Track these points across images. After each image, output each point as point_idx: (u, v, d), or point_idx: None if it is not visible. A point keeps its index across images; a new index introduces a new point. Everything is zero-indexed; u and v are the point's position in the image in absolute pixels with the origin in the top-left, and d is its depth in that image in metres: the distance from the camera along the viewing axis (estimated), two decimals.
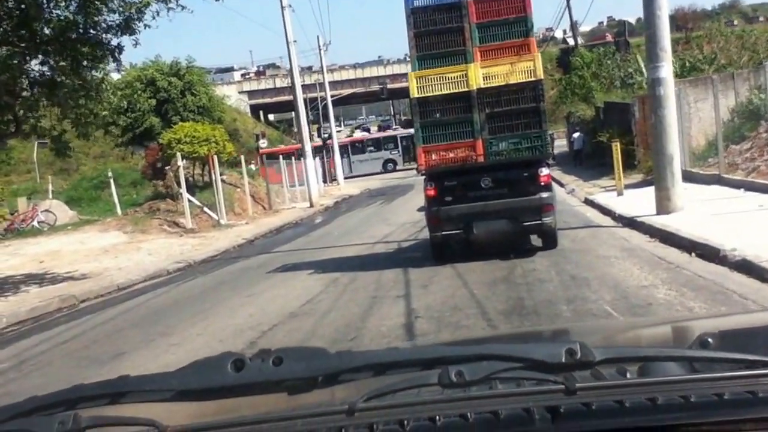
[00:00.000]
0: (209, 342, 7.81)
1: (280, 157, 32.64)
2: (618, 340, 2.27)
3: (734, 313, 5.76)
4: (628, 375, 1.27)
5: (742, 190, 14.10)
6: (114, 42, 13.58)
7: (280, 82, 73.41)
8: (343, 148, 48.49)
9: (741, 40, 29.50)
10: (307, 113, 36.77)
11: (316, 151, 42.78)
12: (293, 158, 32.18)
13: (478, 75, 10.55)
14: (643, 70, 28.37)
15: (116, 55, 13.77)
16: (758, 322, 2.31)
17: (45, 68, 13.71)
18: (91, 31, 13.10)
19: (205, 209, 23.85)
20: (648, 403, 1.09)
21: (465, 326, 6.96)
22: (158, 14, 13.33)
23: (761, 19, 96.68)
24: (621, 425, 1.08)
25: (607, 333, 2.63)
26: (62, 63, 13.43)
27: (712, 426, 1.07)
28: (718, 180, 15.64)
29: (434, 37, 10.76)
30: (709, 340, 1.27)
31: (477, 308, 7.69)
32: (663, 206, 12.48)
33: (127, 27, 13.14)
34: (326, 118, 49.26)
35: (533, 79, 10.53)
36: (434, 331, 6.97)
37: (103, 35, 13.35)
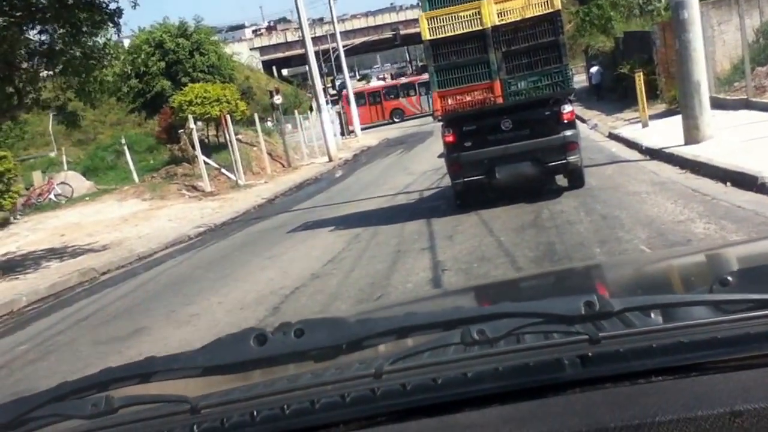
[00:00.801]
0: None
1: (296, 112, 32.23)
2: (639, 279, 2.25)
3: (755, 239, 5.47)
4: (652, 317, 1.27)
5: None
6: (112, 6, 13.22)
7: (291, 36, 72.70)
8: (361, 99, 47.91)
9: None
10: (319, 66, 36.23)
11: (334, 103, 42.40)
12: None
13: (492, 12, 10.05)
14: None
15: (115, 19, 13.40)
16: None
17: (44, 37, 13.39)
18: None
19: (223, 170, 23.65)
20: (676, 342, 1.10)
21: (495, 276, 6.67)
22: None
23: None
24: (649, 366, 1.08)
25: (627, 271, 2.57)
26: (61, 31, 13.12)
27: (739, 361, 1.06)
28: (746, 104, 15.08)
29: None
30: (729, 278, 1.25)
31: (506, 257, 7.41)
32: (691, 135, 12.02)
33: None
34: (340, 70, 48.54)
35: (551, 10, 9.99)
36: (463, 283, 6.66)
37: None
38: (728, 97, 16.37)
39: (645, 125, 16.33)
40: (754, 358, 1.06)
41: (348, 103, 43.82)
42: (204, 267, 10.99)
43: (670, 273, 2.30)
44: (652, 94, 19.10)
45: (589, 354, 1.11)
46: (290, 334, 1.15)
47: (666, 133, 13.71)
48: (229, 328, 5.97)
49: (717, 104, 13.87)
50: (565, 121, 10.19)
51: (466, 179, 10.41)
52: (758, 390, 0.97)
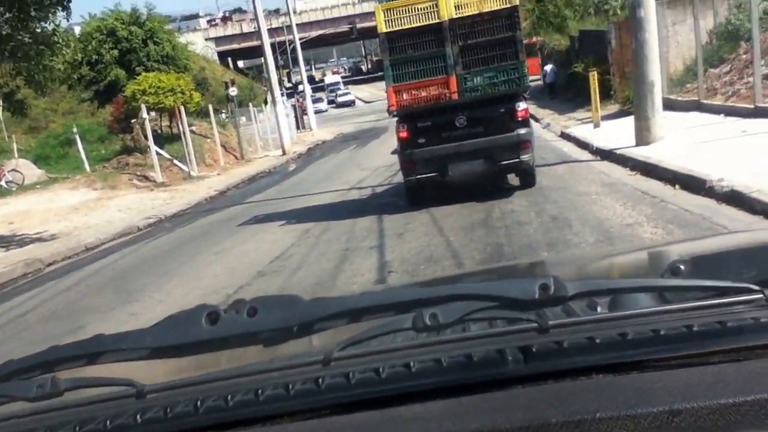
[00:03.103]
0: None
1: (251, 104, 31.94)
2: (591, 270, 2.29)
3: (708, 236, 5.62)
4: (599, 309, 1.29)
5: (722, 115, 13.76)
6: None
7: (247, 27, 72.15)
8: None
9: None
10: (275, 58, 35.86)
11: (289, 96, 42.09)
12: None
13: (450, 4, 9.97)
14: None
15: (65, 3, 13.03)
16: (731, 245, 2.28)
17: None
18: None
19: (175, 161, 23.35)
20: (618, 338, 1.10)
21: None
22: None
23: None
24: (591, 363, 1.08)
25: (580, 264, 2.62)
26: (7, 15, 12.71)
27: (680, 359, 1.07)
28: (697, 106, 15.26)
29: None
30: (681, 267, 1.29)
31: (453, 258, 7.35)
32: (643, 137, 12.11)
33: None
34: (296, 63, 48.15)
35: (508, 6, 9.95)
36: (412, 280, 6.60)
37: None
38: (680, 99, 16.55)
39: (597, 125, 16.43)
40: (695, 357, 1.07)
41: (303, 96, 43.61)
42: (150, 260, 10.77)
43: (623, 264, 2.32)
44: (606, 95, 19.25)
45: (533, 349, 1.11)
46: (243, 312, 1.14)
47: (618, 133, 13.79)
48: None
49: (669, 105, 14.01)
50: (520, 119, 10.17)
51: (419, 176, 10.34)
52: (697, 389, 0.98)
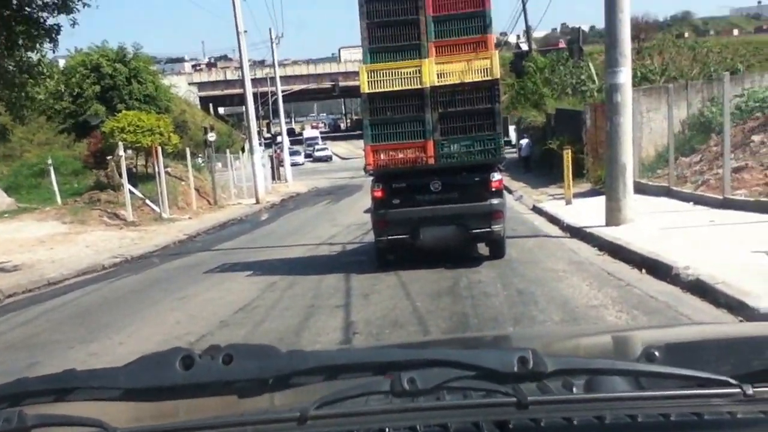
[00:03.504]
0: (131, 353, 7.12)
1: (228, 151, 31.98)
2: (562, 348, 2.27)
3: (680, 324, 5.64)
4: (575, 390, 1.27)
5: (691, 203, 14.02)
6: (51, 21, 12.90)
7: (231, 75, 72.61)
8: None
9: (693, 51, 29.76)
10: (257, 108, 36.03)
11: (267, 147, 42.16)
12: None
13: (433, 72, 10.15)
14: (595, 78, 28.66)
15: (53, 35, 13.07)
16: (704, 336, 2.29)
17: None
18: (26, 8, 12.38)
19: (148, 202, 23.17)
20: (596, 421, 1.10)
21: None
22: None
23: (711, 32, 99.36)
24: None
25: (549, 340, 2.62)
26: None
27: None
28: (667, 192, 15.55)
29: (388, 29, 10.34)
30: (655, 353, 1.28)
31: (419, 324, 7.30)
32: (613, 218, 12.25)
33: (64, 5, 12.47)
34: (276, 114, 48.40)
35: (489, 78, 10.17)
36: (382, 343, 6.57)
37: (39, 13, 12.64)
38: (651, 183, 16.85)
39: (569, 202, 16.63)
40: None
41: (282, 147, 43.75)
42: (113, 301, 10.61)
43: (595, 345, 2.31)
44: (578, 173, 19.57)
45: (510, 425, 1.11)
46: (218, 359, 1.12)
47: (588, 212, 13.93)
48: None
49: (639, 189, 14.25)
50: (493, 189, 10.27)
51: (390, 237, 10.34)
52: None
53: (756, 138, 14.70)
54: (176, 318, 8.71)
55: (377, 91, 10.24)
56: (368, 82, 10.25)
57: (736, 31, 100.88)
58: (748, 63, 35.82)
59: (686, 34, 69.79)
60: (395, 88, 10.21)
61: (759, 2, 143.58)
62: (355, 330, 7.34)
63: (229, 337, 7.44)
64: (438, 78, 10.16)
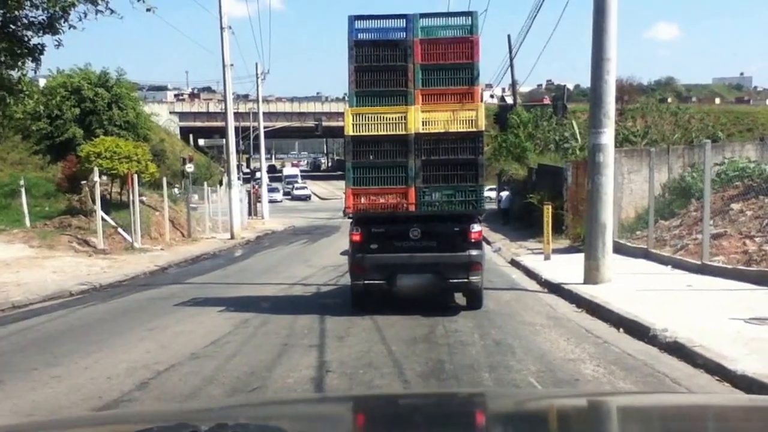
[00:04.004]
0: (96, 378, 7.08)
1: (206, 184, 31.79)
2: (529, 413, 2.21)
3: (651, 392, 5.58)
4: None
5: (669, 267, 14.09)
6: (35, 40, 12.77)
7: (213, 107, 72.88)
8: None
9: (675, 117, 30.33)
10: (237, 142, 35.92)
11: (245, 181, 41.98)
12: None
13: (418, 119, 10.18)
14: (578, 136, 29.06)
15: (36, 54, 12.94)
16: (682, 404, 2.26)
17: None
18: (11, 26, 12.26)
19: (120, 230, 22.83)
20: None
21: (378, 386, 6.51)
22: (85, 16, 12.62)
23: (694, 99, 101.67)
24: None
25: (520, 403, 2.54)
26: None
27: None
28: (645, 254, 15.63)
29: (376, 74, 10.43)
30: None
31: (393, 367, 7.22)
32: (591, 276, 12.24)
33: (50, 26, 12.39)
34: (257, 149, 48.32)
35: (474, 129, 10.23)
36: (344, 389, 6.45)
37: (24, 32, 12.51)
38: (630, 244, 16.93)
39: (547, 258, 16.65)
40: None
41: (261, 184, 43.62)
42: (79, 328, 10.37)
43: (567, 412, 2.26)
44: (558, 229, 19.66)
45: None
46: None
47: (567, 269, 13.96)
48: (90, 397, 5.43)
49: (618, 249, 14.30)
50: (473, 241, 10.22)
51: (366, 281, 10.23)
52: None
53: (735, 206, 14.84)
54: (146, 347, 8.54)
55: (362, 134, 10.25)
56: (353, 125, 10.25)
57: (717, 100, 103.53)
58: (729, 132, 36.69)
59: (669, 99, 71.39)
60: (380, 133, 10.23)
61: (741, 74, 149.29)
62: (328, 368, 7.23)
63: (199, 369, 7.34)
64: (423, 125, 10.20)
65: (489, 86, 48.92)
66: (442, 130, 10.18)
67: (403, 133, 10.17)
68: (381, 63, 10.41)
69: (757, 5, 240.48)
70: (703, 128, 29.42)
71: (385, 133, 10.21)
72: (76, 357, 8.13)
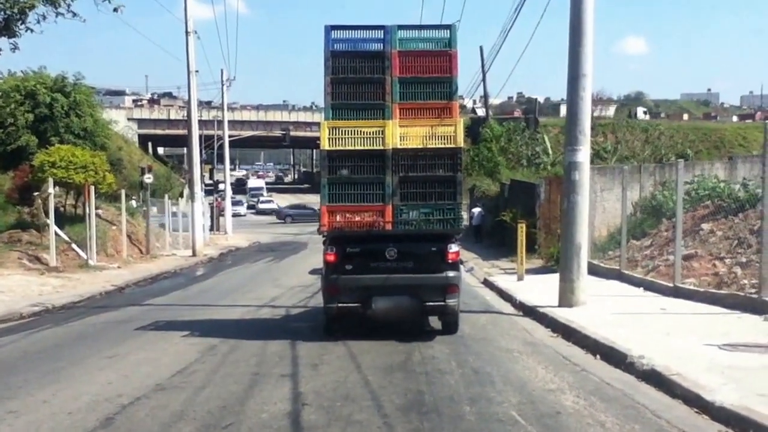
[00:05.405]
0: (56, 414, 6.58)
1: (166, 196, 31.04)
2: None
3: None
4: None
5: (642, 288, 14.06)
6: None
7: (175, 114, 71.92)
8: None
9: (646, 133, 30.60)
10: (201, 151, 35.17)
11: (207, 194, 41.10)
12: None
13: (396, 134, 9.93)
14: (549, 151, 29.15)
15: None
16: None
17: None
18: None
19: (74, 246, 22.01)
20: None
21: (358, 421, 6.19)
22: (44, 18, 12.10)
23: (663, 114, 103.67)
24: None
25: None
26: None
27: None
28: (618, 275, 15.57)
29: (352, 86, 10.18)
30: None
31: (372, 400, 6.91)
32: (566, 298, 12.05)
33: (6, 28, 11.81)
34: (221, 159, 47.42)
35: (453, 145, 10.01)
36: (323, 425, 6.09)
37: None
38: (602, 265, 16.86)
39: (521, 278, 16.49)
40: None
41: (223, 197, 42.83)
42: (34, 355, 9.77)
43: None
44: (531, 248, 19.51)
45: None
46: None
47: (541, 290, 13.83)
48: None
49: (591, 270, 14.11)
50: (450, 261, 9.93)
51: (340, 304, 9.84)
52: None
53: (705, 226, 14.78)
54: (107, 378, 8.06)
55: (338, 149, 9.96)
56: (329, 138, 9.96)
57: (686, 116, 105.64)
58: (697, 149, 37.22)
59: (639, 115, 72.47)
60: (356, 147, 9.94)
61: (709, 90, 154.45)
62: (304, 401, 6.90)
63: (167, 402, 6.93)
64: (401, 141, 9.95)
65: (461, 98, 49.10)
66: (420, 146, 9.92)
67: (381, 148, 9.88)
68: (358, 75, 10.15)
69: (724, 22, 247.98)
70: (673, 145, 29.74)
71: (362, 147, 9.90)
72: (32, 389, 7.61)
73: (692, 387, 6.68)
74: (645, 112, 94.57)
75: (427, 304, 9.85)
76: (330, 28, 10.27)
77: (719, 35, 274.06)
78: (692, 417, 6.26)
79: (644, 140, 28.74)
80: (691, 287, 12.63)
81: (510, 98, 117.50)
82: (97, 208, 23.09)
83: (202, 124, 39.10)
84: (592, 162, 19.35)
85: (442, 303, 9.83)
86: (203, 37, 79.96)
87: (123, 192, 26.21)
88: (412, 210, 9.89)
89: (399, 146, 9.89)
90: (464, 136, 10.79)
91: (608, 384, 7.45)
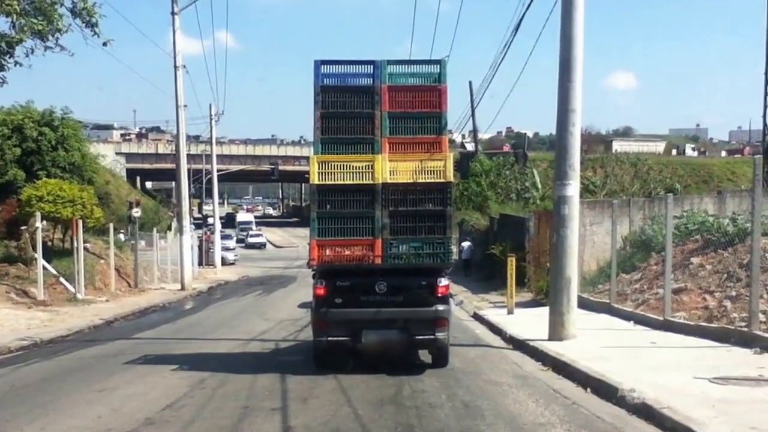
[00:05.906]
0: None
1: (154, 230, 30.94)
2: None
3: None
4: None
5: (632, 322, 14.04)
6: None
7: (163, 148, 71.92)
8: None
9: (635, 168, 30.82)
10: (189, 185, 35.09)
11: (196, 227, 40.91)
12: None
13: (386, 168, 9.97)
14: (539, 185, 29.29)
15: None
16: None
17: None
18: None
19: (62, 280, 21.87)
20: None
21: None
22: (32, 52, 12.11)
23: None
24: None
25: None
26: None
27: None
28: (608, 309, 15.57)
29: (342, 120, 10.22)
30: None
31: None
32: (556, 332, 12.03)
33: None
34: (209, 194, 47.34)
35: (442, 180, 10.05)
36: None
37: None
38: (592, 298, 16.86)
39: (511, 312, 16.48)
40: None
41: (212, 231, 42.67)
42: (22, 389, 9.66)
43: None
44: (520, 281, 19.54)
45: None
46: None
47: (531, 323, 13.80)
48: None
49: (581, 304, 14.12)
50: (440, 295, 9.93)
51: (330, 338, 9.82)
52: None
53: (695, 260, 14.84)
54: (96, 412, 7.98)
55: (327, 183, 9.99)
56: (318, 173, 9.99)
57: (674, 151, 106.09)
58: (686, 183, 37.51)
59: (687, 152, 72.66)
60: (346, 182, 9.97)
61: (697, 125, 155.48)
62: None
63: None
64: (390, 175, 9.99)
65: (450, 132, 49.36)
66: (410, 181, 9.96)
67: (370, 182, 9.91)
68: (347, 109, 10.21)
69: (713, 58, 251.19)
70: (662, 180, 29.98)
71: (351, 182, 9.93)
72: (21, 423, 7.56)
73: (683, 420, 6.64)
74: (693, 149, 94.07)
75: (417, 337, 9.82)
76: (320, 63, 10.35)
77: (709, 71, 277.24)
78: None
79: (633, 174, 28.99)
80: (681, 321, 12.63)
81: (499, 133, 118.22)
82: (85, 242, 22.95)
83: (191, 158, 39.07)
84: (581, 196, 19.50)
85: (432, 336, 9.82)
86: (192, 71, 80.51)
87: (111, 226, 26.09)
88: (402, 244, 9.89)
89: (389, 180, 9.93)
90: (454, 170, 10.84)
91: (599, 417, 7.43)
